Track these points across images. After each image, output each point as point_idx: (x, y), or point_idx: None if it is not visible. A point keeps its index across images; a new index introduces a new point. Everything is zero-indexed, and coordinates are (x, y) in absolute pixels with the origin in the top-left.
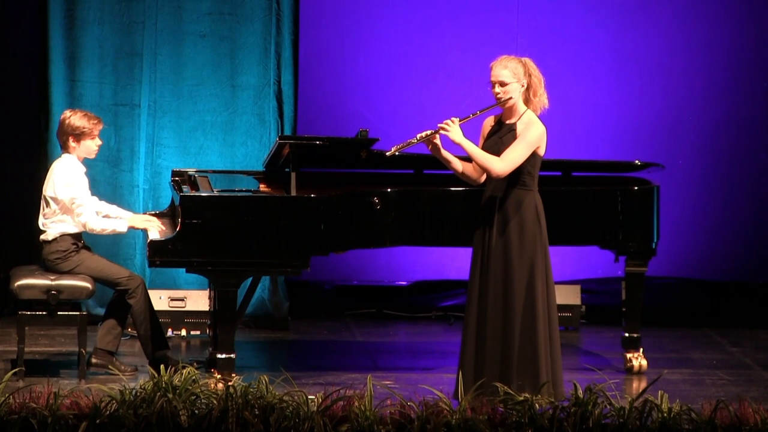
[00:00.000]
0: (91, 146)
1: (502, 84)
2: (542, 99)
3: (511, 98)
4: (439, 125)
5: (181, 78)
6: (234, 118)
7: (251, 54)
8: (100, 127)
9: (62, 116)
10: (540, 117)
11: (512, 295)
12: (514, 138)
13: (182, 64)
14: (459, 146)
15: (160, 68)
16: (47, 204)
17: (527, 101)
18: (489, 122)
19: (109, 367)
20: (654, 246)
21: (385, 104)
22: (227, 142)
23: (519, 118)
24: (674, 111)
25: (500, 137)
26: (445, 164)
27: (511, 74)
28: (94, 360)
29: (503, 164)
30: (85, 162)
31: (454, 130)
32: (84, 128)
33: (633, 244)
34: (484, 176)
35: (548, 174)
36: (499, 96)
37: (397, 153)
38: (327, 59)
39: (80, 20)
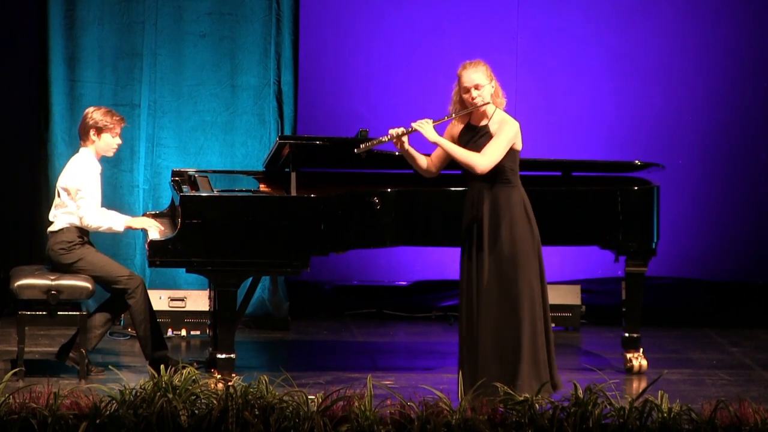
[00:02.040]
0: (111, 142)
1: (477, 87)
2: (503, 99)
3: (488, 102)
4: (412, 124)
5: (181, 78)
6: (234, 118)
7: (251, 54)
8: (122, 125)
9: (86, 111)
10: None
11: (507, 293)
12: (489, 138)
13: (182, 64)
14: (435, 145)
15: (160, 68)
16: (58, 195)
17: (494, 102)
18: (456, 127)
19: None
20: (654, 246)
21: (385, 104)
22: (227, 142)
23: (490, 119)
24: (674, 111)
25: (475, 141)
26: (409, 160)
27: (484, 77)
28: (72, 354)
29: (485, 159)
30: None
31: (428, 129)
32: (107, 122)
33: (633, 244)
34: (439, 170)
35: (548, 174)
36: (476, 100)
37: (365, 150)
38: (327, 59)
39: (80, 20)
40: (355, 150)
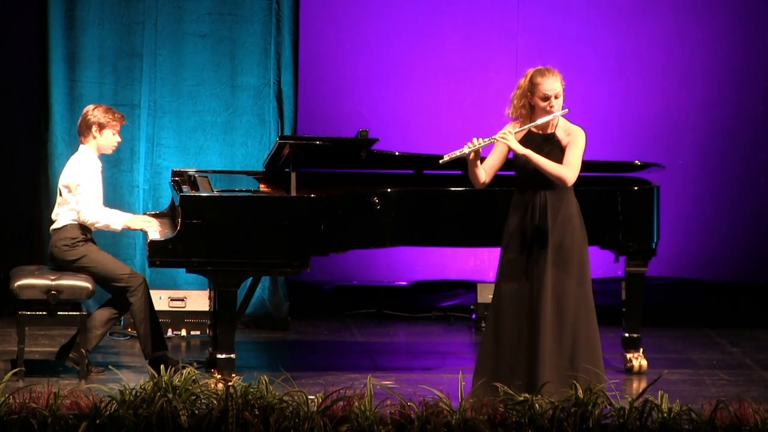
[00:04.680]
0: (111, 140)
1: (557, 96)
2: None
3: (566, 110)
4: (496, 137)
5: (181, 78)
6: (234, 118)
7: (251, 54)
8: (123, 122)
9: (85, 109)
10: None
11: (566, 294)
12: (560, 147)
13: (182, 64)
14: (523, 156)
15: (160, 68)
16: (60, 193)
17: None
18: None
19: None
20: (654, 246)
21: (385, 104)
22: (227, 142)
23: (556, 128)
24: (674, 111)
25: (541, 149)
26: (473, 169)
27: (562, 86)
28: (71, 355)
29: (573, 173)
30: None
31: (514, 141)
32: (109, 119)
33: (633, 244)
34: (490, 179)
35: None
36: (555, 108)
37: (449, 161)
38: (327, 59)
39: (80, 20)
40: (440, 161)
